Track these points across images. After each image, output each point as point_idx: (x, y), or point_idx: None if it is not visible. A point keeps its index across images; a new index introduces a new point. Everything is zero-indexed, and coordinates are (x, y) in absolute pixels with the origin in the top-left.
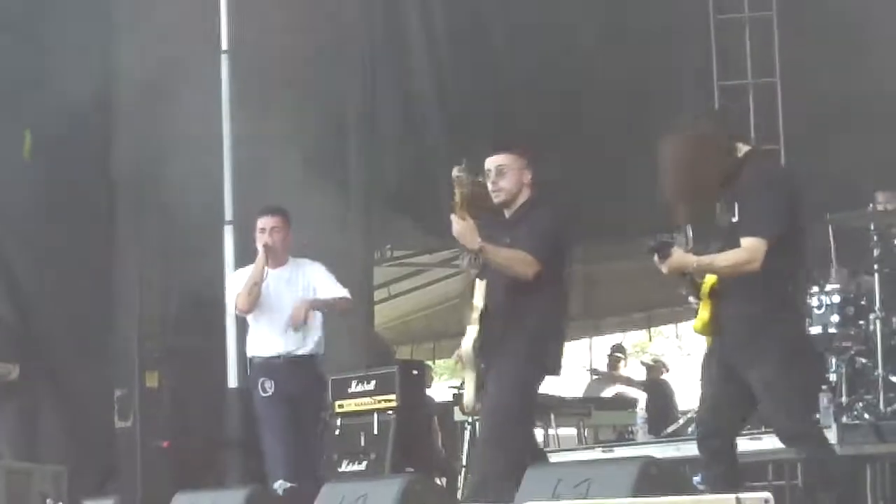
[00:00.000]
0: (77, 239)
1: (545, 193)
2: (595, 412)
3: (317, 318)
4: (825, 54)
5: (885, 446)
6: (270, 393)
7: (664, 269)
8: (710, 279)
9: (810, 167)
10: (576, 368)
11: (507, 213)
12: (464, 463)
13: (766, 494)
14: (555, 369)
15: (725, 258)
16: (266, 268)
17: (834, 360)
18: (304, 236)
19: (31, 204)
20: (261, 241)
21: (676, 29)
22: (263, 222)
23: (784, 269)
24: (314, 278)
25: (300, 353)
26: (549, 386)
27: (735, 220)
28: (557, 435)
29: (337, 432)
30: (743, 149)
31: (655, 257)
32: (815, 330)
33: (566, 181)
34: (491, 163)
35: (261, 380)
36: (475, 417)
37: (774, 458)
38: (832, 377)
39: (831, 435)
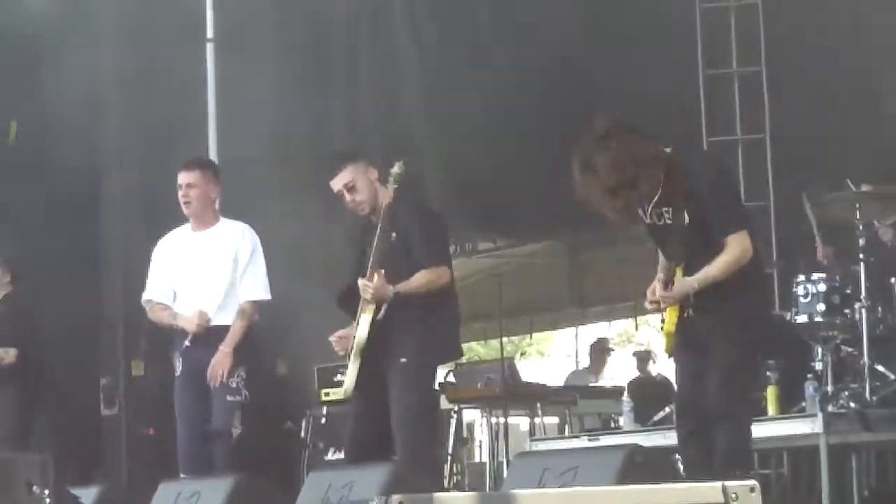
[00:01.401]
0: (63, 227)
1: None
2: (581, 400)
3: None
4: (812, 43)
5: (871, 435)
6: (178, 373)
7: (671, 301)
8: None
9: (796, 157)
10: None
11: (373, 218)
12: (449, 451)
13: (753, 482)
14: (454, 354)
15: (721, 265)
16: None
17: (820, 349)
18: (289, 237)
19: (17, 191)
20: (181, 199)
21: (663, 17)
22: (180, 178)
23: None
24: (240, 251)
25: (218, 323)
26: (535, 374)
27: (687, 221)
28: (543, 423)
29: (323, 421)
30: (665, 150)
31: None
32: (801, 319)
33: (551, 172)
34: (337, 183)
35: (174, 356)
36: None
37: (759, 448)
38: (818, 366)
39: (817, 424)
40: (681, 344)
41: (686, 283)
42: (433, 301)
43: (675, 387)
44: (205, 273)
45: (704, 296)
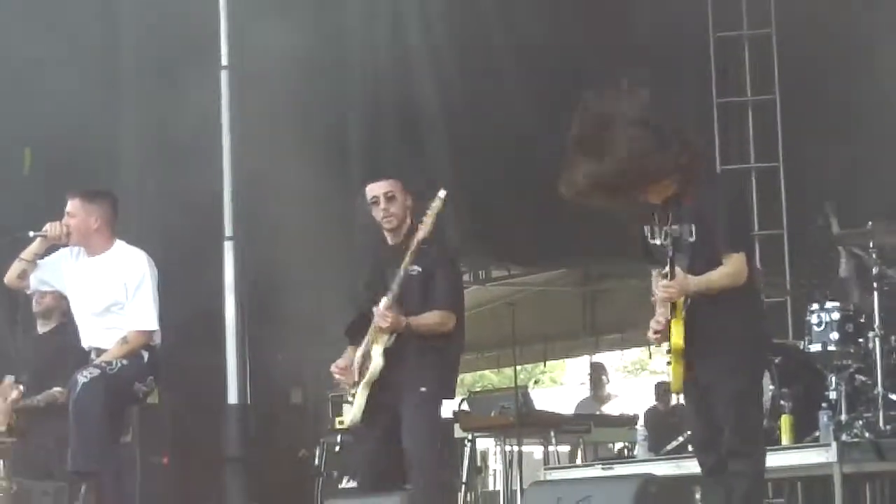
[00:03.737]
0: None
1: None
2: (595, 429)
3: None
4: (825, 71)
5: (885, 464)
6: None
7: (672, 295)
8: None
9: (810, 185)
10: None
11: (391, 239)
12: (463, 480)
13: None
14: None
15: (720, 274)
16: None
17: (833, 378)
18: (305, 254)
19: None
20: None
21: (676, 46)
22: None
23: (752, 280)
24: (129, 278)
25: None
26: (549, 403)
27: (693, 237)
28: (557, 452)
29: (337, 449)
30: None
31: (659, 280)
32: (815, 347)
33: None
34: (378, 189)
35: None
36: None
37: (773, 477)
38: (832, 395)
39: (831, 453)
40: (688, 379)
41: (686, 281)
42: (447, 336)
43: (689, 423)
44: (87, 300)
45: (701, 322)
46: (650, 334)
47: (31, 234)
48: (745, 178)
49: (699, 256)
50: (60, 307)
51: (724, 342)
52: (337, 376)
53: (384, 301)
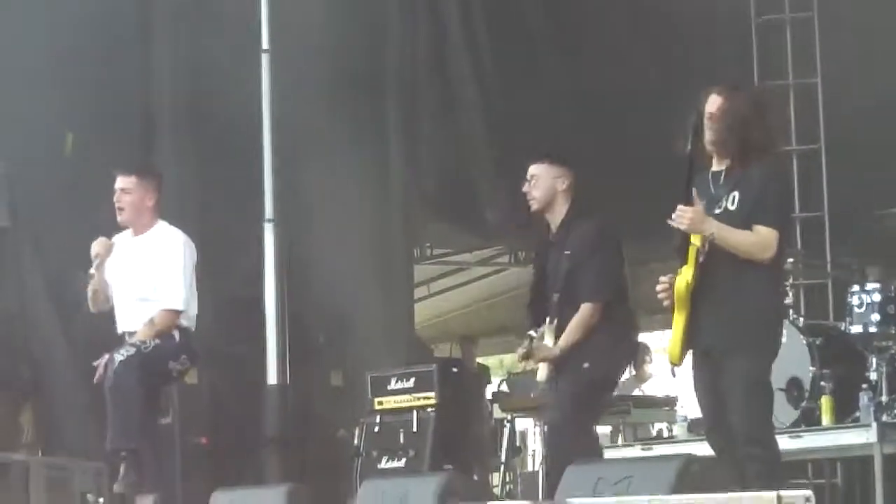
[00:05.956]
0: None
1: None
2: (634, 410)
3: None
4: (868, 54)
5: None
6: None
7: (685, 220)
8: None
9: (851, 167)
10: None
11: (551, 226)
12: (502, 460)
13: (808, 492)
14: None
15: (746, 237)
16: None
17: (874, 359)
18: (344, 235)
19: (66, 197)
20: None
21: (717, 34)
22: (116, 183)
23: (778, 261)
24: (165, 258)
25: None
26: None
27: (734, 205)
28: (597, 432)
29: (376, 429)
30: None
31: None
32: (856, 329)
33: (606, 186)
34: (530, 170)
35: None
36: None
37: (813, 458)
38: (872, 376)
39: (871, 434)
40: (693, 355)
41: (707, 220)
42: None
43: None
44: (132, 280)
45: (718, 286)
46: (658, 289)
47: (91, 271)
48: (786, 161)
49: (735, 226)
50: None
51: (744, 315)
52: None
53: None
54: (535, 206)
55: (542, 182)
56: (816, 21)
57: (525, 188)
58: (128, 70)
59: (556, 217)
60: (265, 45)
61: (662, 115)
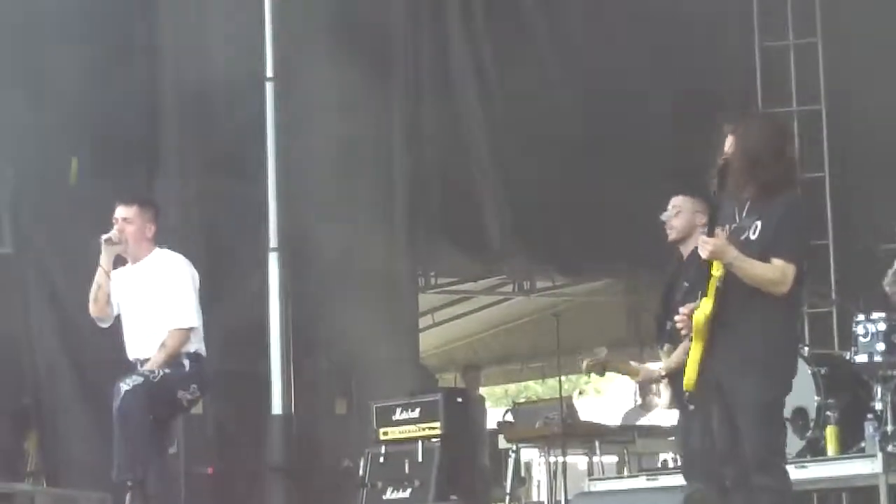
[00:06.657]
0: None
1: None
2: (639, 439)
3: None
4: (872, 80)
5: None
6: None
7: (707, 248)
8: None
9: (855, 194)
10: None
11: (683, 256)
12: (507, 490)
13: None
14: None
15: (763, 268)
16: (117, 268)
17: (879, 389)
18: (349, 264)
19: (71, 223)
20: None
21: (721, 54)
22: (117, 213)
23: (795, 295)
24: (168, 279)
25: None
26: (593, 413)
27: (755, 234)
28: (602, 462)
29: (381, 460)
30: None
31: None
32: (861, 358)
33: (610, 211)
34: (671, 201)
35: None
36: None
37: (819, 488)
38: (877, 406)
39: (876, 464)
40: (707, 384)
41: (727, 248)
42: None
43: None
44: (133, 308)
45: (733, 315)
46: (676, 319)
47: (102, 237)
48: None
49: (753, 256)
50: None
51: (757, 345)
52: None
53: None
54: (673, 235)
55: (684, 214)
56: (820, 47)
57: (664, 216)
58: (132, 93)
59: (689, 248)
60: (269, 73)
61: (666, 145)
